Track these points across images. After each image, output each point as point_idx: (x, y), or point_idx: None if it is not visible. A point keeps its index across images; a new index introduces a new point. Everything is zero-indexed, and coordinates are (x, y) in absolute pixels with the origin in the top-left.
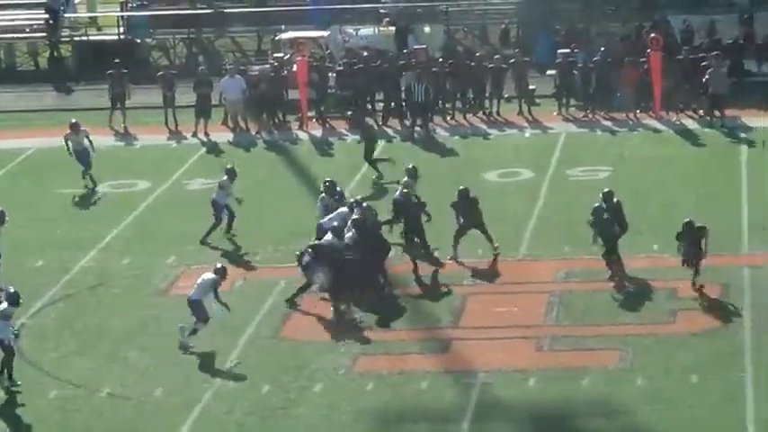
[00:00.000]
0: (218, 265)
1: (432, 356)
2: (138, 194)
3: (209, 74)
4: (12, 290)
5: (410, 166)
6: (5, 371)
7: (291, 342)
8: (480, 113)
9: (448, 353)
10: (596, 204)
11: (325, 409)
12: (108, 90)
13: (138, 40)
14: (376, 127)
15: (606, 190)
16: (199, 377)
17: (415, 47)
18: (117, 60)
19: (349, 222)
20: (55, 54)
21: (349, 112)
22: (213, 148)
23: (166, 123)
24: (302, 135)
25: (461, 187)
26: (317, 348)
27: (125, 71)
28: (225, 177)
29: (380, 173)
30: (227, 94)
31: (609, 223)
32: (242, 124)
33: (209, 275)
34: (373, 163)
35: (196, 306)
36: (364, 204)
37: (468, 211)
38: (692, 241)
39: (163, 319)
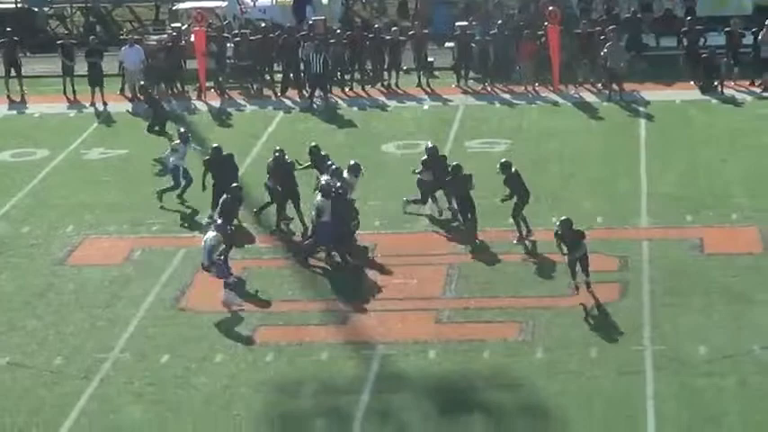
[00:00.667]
0: (218, 221)
1: (331, 328)
2: (38, 163)
3: (99, 43)
4: None
5: (429, 145)
6: None
7: (191, 312)
8: (379, 85)
9: (347, 324)
10: (454, 163)
11: (224, 379)
12: (1, 58)
13: (36, 9)
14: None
15: (503, 160)
16: (98, 347)
17: (314, 18)
18: (9, 29)
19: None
20: None
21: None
22: (109, 118)
23: (65, 92)
24: (200, 105)
25: (455, 163)
26: (217, 319)
27: (16, 39)
28: (177, 141)
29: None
30: (127, 64)
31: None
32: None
33: (211, 233)
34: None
35: (212, 268)
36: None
37: (459, 186)
38: (572, 243)
39: (61, 288)
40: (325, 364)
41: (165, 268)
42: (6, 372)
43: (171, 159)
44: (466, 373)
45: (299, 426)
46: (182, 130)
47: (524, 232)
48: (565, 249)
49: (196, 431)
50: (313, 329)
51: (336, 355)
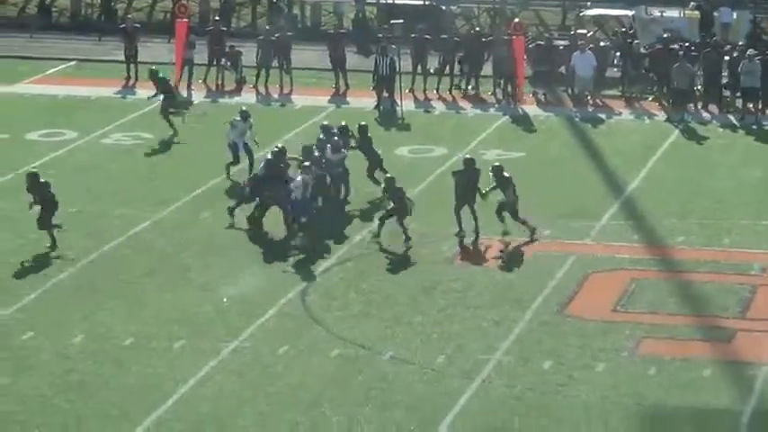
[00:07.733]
0: None
1: (716, 344)
2: (437, 159)
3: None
4: None
5: None
6: None
7: (576, 320)
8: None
9: (733, 342)
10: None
11: (605, 389)
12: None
13: (443, 8)
14: None
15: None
16: (480, 348)
17: None
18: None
19: None
20: (360, 15)
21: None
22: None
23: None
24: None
25: None
26: (601, 328)
27: (427, 37)
28: (237, 117)
29: None
30: (578, 70)
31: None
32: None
33: None
34: None
35: None
36: None
37: None
38: None
39: (447, 287)
40: (707, 381)
41: (554, 273)
42: (389, 366)
43: (230, 136)
44: None
45: None
46: (243, 108)
47: None
48: None
49: None
50: (697, 345)
51: (719, 372)
